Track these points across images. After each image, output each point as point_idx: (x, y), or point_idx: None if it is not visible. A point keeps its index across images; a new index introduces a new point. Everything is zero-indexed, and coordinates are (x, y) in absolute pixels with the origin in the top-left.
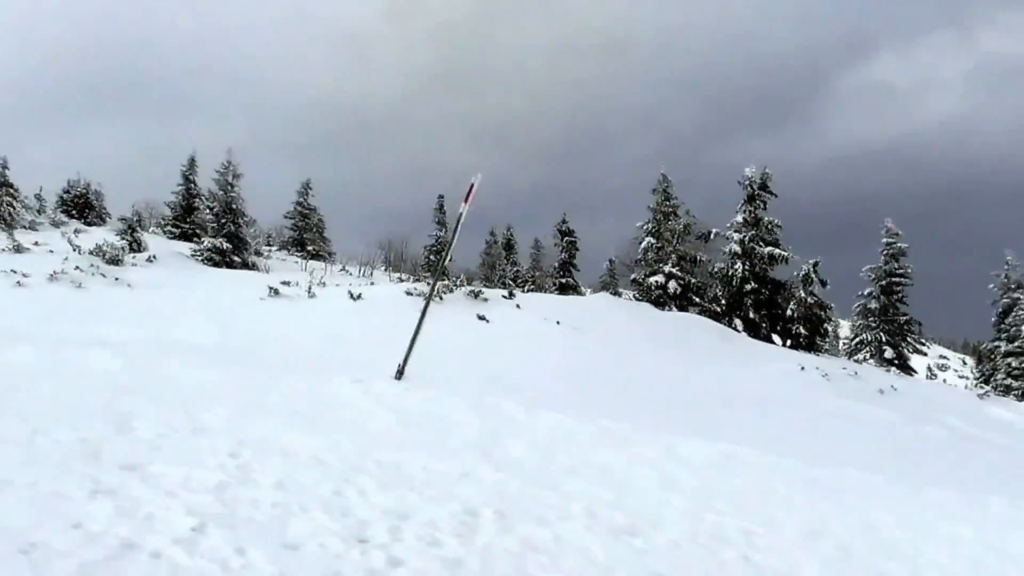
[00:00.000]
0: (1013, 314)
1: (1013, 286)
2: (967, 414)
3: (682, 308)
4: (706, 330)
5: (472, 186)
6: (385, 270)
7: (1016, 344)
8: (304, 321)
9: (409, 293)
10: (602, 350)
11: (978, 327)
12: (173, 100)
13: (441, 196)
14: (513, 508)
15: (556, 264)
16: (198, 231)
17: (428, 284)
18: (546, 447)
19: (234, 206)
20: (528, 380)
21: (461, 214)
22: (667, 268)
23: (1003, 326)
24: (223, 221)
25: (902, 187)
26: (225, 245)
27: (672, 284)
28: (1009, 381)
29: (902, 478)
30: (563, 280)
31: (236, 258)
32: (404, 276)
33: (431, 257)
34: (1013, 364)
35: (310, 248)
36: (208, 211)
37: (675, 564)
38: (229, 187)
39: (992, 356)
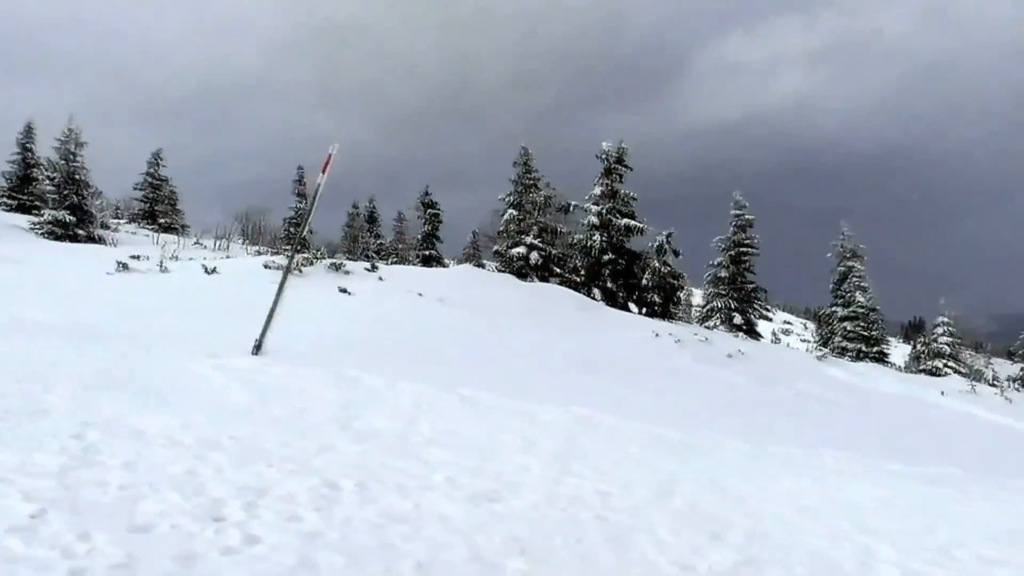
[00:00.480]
0: (848, 281)
1: (848, 255)
2: (807, 375)
3: (543, 278)
4: (566, 299)
5: (329, 156)
6: (243, 243)
7: (851, 309)
8: (156, 296)
9: (267, 266)
10: (465, 321)
11: (818, 293)
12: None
13: (300, 167)
14: (374, 479)
15: (420, 237)
16: (37, 203)
17: (287, 257)
18: (408, 418)
19: (77, 176)
20: (390, 352)
21: (319, 185)
22: (529, 240)
23: (839, 292)
24: (65, 192)
25: (752, 160)
26: (68, 218)
27: (534, 255)
28: (845, 344)
29: (748, 436)
30: (427, 252)
31: (81, 232)
32: (263, 249)
33: (291, 230)
34: (848, 328)
35: (162, 221)
36: (48, 182)
37: (534, 527)
38: (71, 156)
39: (830, 321)
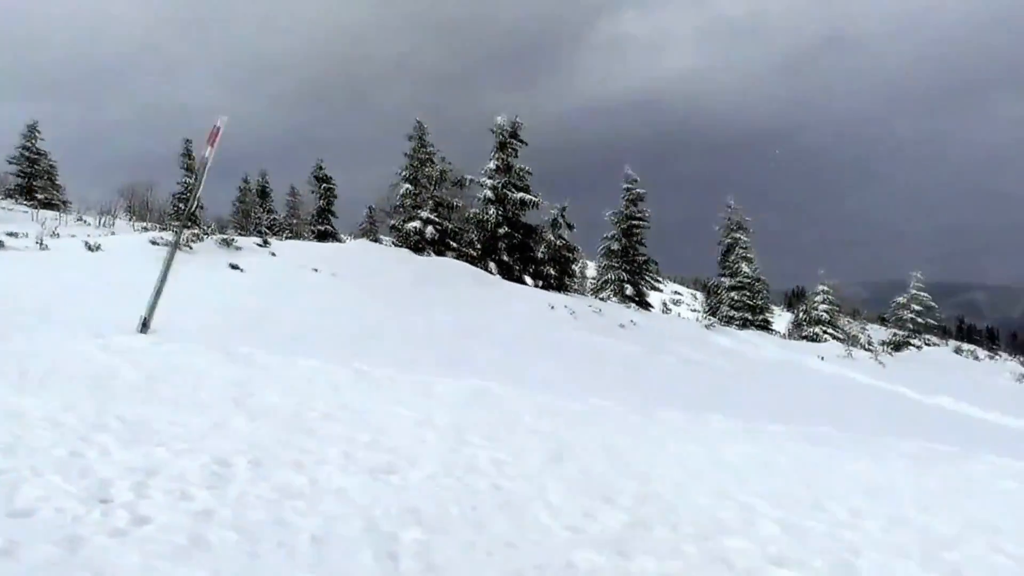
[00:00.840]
0: (734, 253)
1: (734, 227)
2: (695, 343)
3: (440, 253)
4: (462, 273)
5: (217, 129)
6: (129, 219)
7: (737, 279)
8: (35, 275)
9: (154, 243)
10: (360, 295)
11: (706, 264)
12: None
13: (188, 140)
14: (268, 456)
15: (314, 212)
16: None
17: (175, 233)
18: (303, 393)
19: None
20: (284, 328)
21: (206, 158)
22: (424, 214)
23: (726, 263)
24: None
25: (643, 135)
26: None
27: (430, 229)
28: (732, 313)
29: (639, 403)
30: (321, 228)
31: None
32: (150, 225)
33: (179, 205)
34: (735, 297)
35: (41, 197)
36: None
37: (431, 497)
38: None
39: (717, 291)
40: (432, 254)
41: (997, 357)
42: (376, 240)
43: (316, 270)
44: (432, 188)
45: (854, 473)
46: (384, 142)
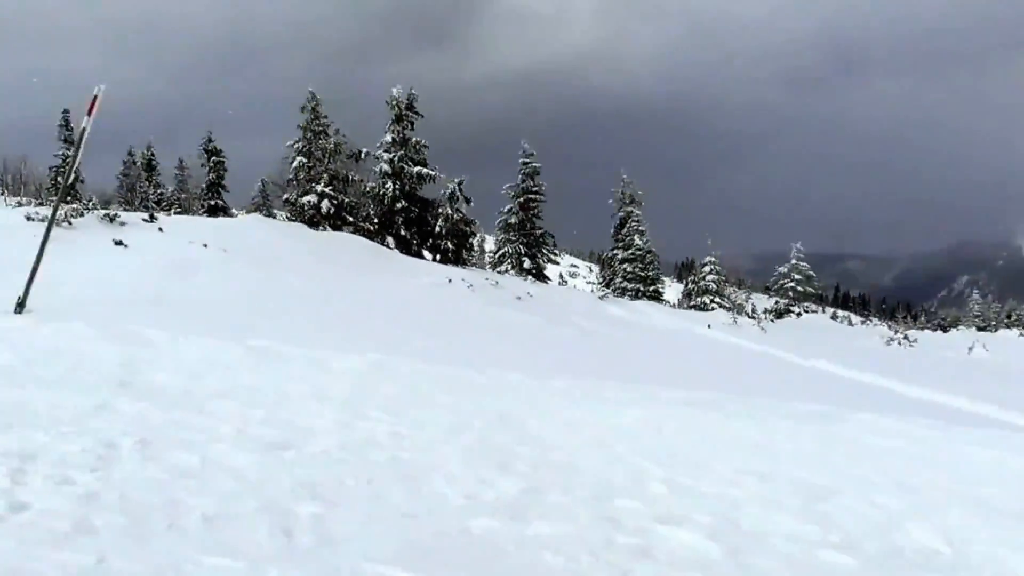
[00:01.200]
0: (628, 226)
1: (627, 201)
2: (590, 314)
3: (336, 227)
4: (359, 247)
5: (95, 98)
6: (2, 195)
7: (630, 252)
8: None
9: (30, 218)
10: (253, 271)
11: (601, 238)
12: None
13: (66, 111)
14: (157, 437)
15: (204, 186)
16: None
17: (52, 207)
18: (193, 372)
19: None
20: (172, 305)
21: (84, 129)
22: (320, 188)
23: (620, 236)
24: None
25: (542, 109)
26: None
27: (325, 204)
28: (625, 284)
29: (535, 373)
30: (212, 202)
31: None
32: (26, 200)
33: (58, 179)
34: (628, 269)
35: None
36: None
37: (327, 471)
38: None
39: (612, 263)
40: (328, 229)
41: (869, 322)
42: (270, 215)
43: (206, 246)
44: (327, 161)
45: (737, 433)
46: (279, 114)
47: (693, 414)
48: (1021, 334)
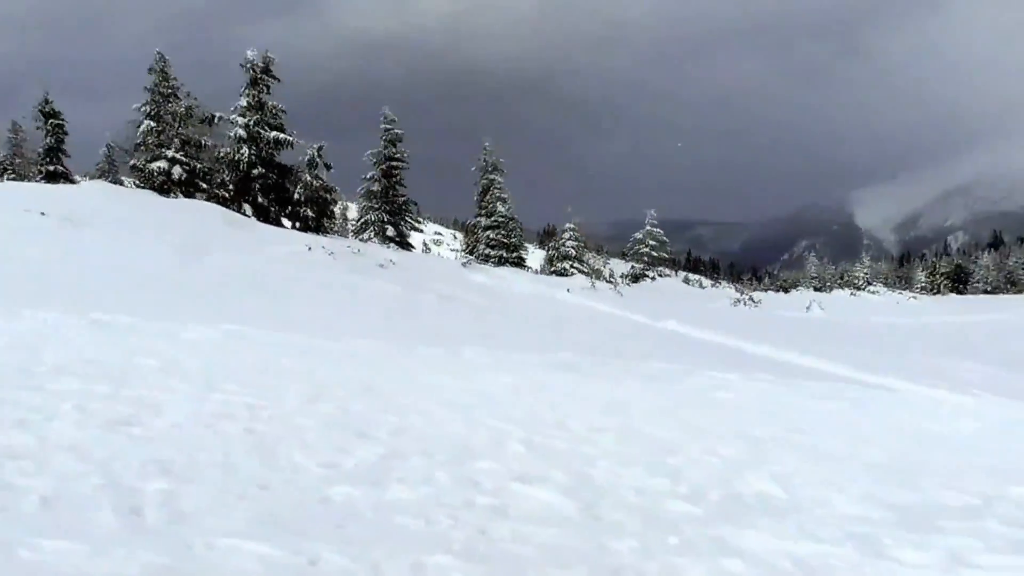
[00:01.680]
0: (490, 193)
1: (490, 169)
2: (453, 281)
3: (189, 194)
4: (212, 215)
5: None
6: None
7: (493, 219)
8: None
9: None
10: (97, 240)
11: (465, 206)
12: None
13: None
14: None
15: (41, 150)
16: None
17: None
18: (30, 347)
19: None
20: (5, 278)
21: None
22: (170, 153)
23: (483, 204)
24: None
25: (403, 77)
26: None
27: (177, 170)
28: (489, 251)
29: (397, 340)
30: (51, 168)
31: None
32: None
33: None
34: (491, 236)
35: None
36: None
37: (177, 447)
38: None
39: (475, 230)
40: (181, 196)
41: (718, 285)
42: (117, 182)
43: (44, 214)
44: (177, 126)
45: (593, 393)
46: (125, 77)
47: (551, 376)
48: (852, 294)
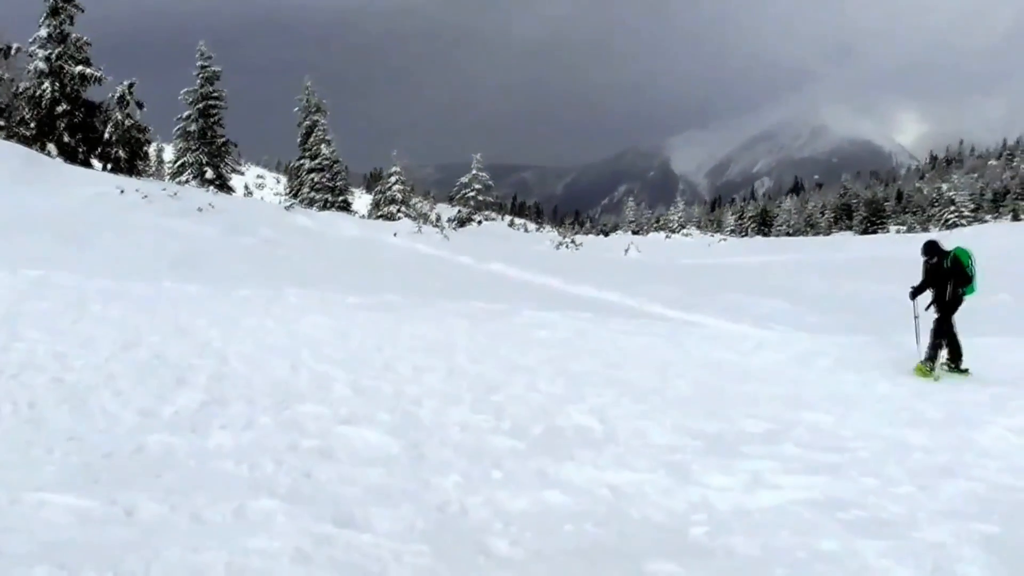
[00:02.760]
0: (314, 135)
1: (313, 109)
2: (276, 224)
3: None
4: (11, 155)
5: None
6: None
7: (317, 162)
8: None
9: None
10: None
11: (288, 148)
12: None
13: None
14: None
15: None
16: None
17: None
18: None
19: None
20: None
21: None
22: None
23: (307, 146)
24: None
25: (217, 10)
26: None
27: None
28: (313, 195)
29: (215, 283)
30: None
31: None
32: None
33: None
34: (316, 179)
35: None
36: None
37: None
38: None
39: (299, 173)
40: None
41: (543, 229)
42: None
43: None
44: None
45: (418, 334)
46: None
47: (377, 318)
48: (667, 236)
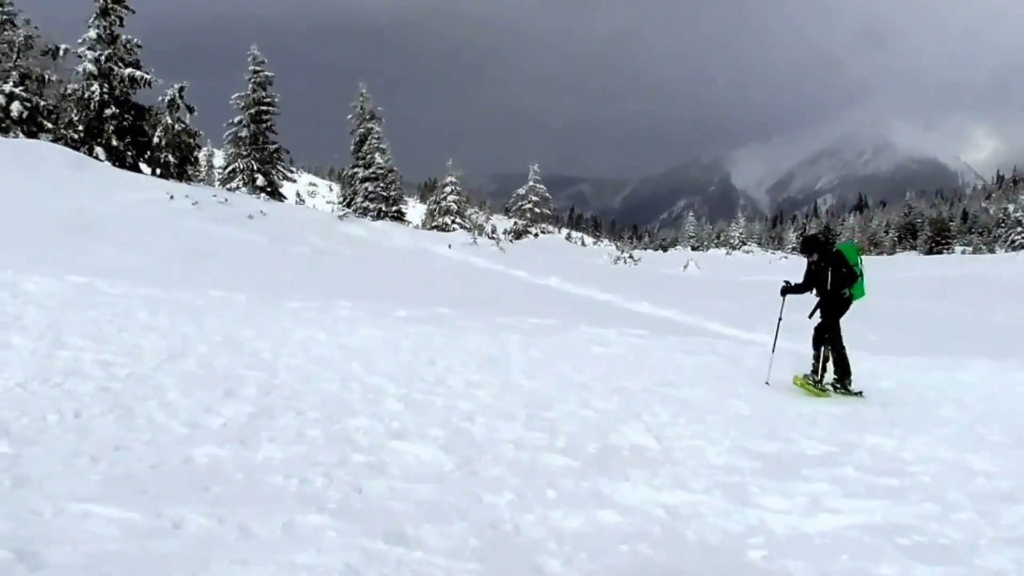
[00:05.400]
0: (368, 143)
1: (367, 117)
2: (327, 233)
3: (32, 134)
4: (56, 157)
5: None
6: None
7: (371, 170)
8: None
9: None
10: None
11: (341, 155)
12: None
13: None
14: None
15: None
16: None
17: None
18: None
19: None
20: None
21: None
22: (7, 87)
23: (360, 154)
24: None
25: (269, 12)
26: None
27: (16, 106)
28: (367, 204)
29: (265, 293)
30: None
31: None
32: None
33: None
34: (369, 188)
35: None
36: None
37: (22, 406)
38: None
39: (353, 182)
40: (23, 136)
41: (600, 242)
42: None
43: None
44: (16, 57)
45: (472, 349)
46: None
47: (429, 331)
48: (727, 253)
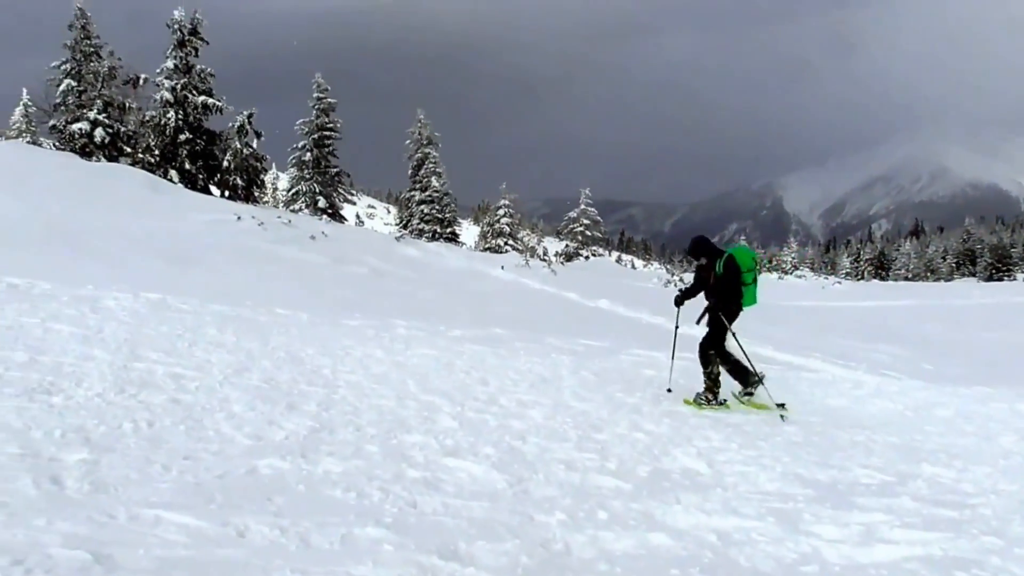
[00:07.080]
0: (425, 167)
1: (425, 141)
2: (385, 254)
3: (112, 158)
4: (137, 181)
5: None
6: None
7: (427, 194)
8: None
9: None
10: (9, 203)
11: (399, 178)
12: None
13: None
14: None
15: None
16: None
17: None
18: None
19: None
20: None
21: None
22: (92, 115)
23: (417, 177)
24: None
25: (334, 41)
26: None
27: (99, 132)
28: (423, 226)
29: (326, 312)
30: None
31: None
32: None
33: None
34: (425, 211)
35: None
36: None
37: (100, 416)
38: None
39: (409, 204)
40: (104, 160)
41: (650, 266)
42: (35, 143)
43: None
44: (100, 86)
45: (524, 369)
46: (44, 32)
47: (483, 351)
48: (779, 278)
